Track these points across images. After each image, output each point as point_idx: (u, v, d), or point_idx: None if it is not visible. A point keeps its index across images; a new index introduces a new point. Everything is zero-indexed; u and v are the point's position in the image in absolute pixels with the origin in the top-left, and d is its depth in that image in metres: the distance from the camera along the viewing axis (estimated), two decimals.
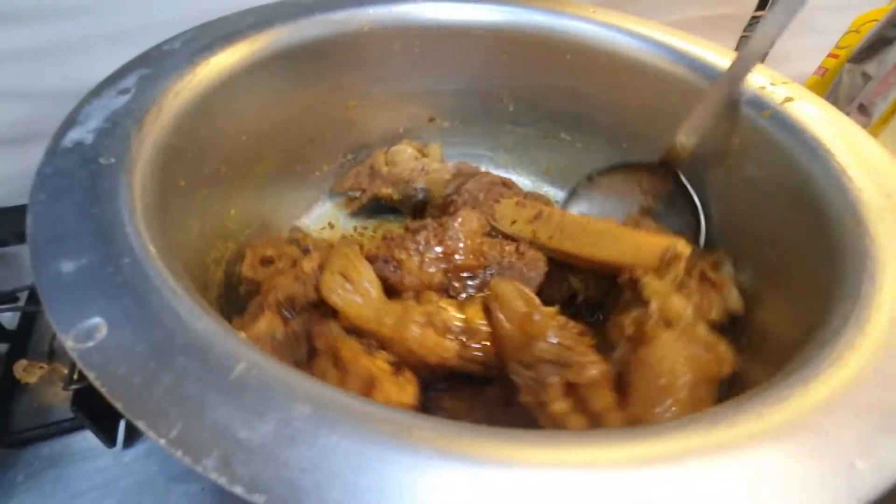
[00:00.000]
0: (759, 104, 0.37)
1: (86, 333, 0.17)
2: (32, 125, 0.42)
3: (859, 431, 0.16)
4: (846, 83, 0.45)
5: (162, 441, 0.14)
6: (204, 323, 0.18)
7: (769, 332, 0.29)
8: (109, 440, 0.32)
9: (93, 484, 0.32)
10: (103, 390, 0.15)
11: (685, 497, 0.14)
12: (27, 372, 0.34)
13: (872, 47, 0.44)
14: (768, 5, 0.29)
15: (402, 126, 0.51)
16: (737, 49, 0.70)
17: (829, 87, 0.47)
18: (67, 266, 0.19)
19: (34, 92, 0.43)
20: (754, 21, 0.63)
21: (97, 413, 0.31)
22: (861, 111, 0.46)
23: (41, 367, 0.34)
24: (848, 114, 0.47)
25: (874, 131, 0.47)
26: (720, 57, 0.41)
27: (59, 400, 0.35)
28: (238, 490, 0.13)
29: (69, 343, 0.16)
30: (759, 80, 0.38)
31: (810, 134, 0.33)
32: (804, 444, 0.16)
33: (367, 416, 0.16)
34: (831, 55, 0.49)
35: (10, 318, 0.38)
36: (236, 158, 0.38)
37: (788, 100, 0.35)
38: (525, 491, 0.14)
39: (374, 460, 0.14)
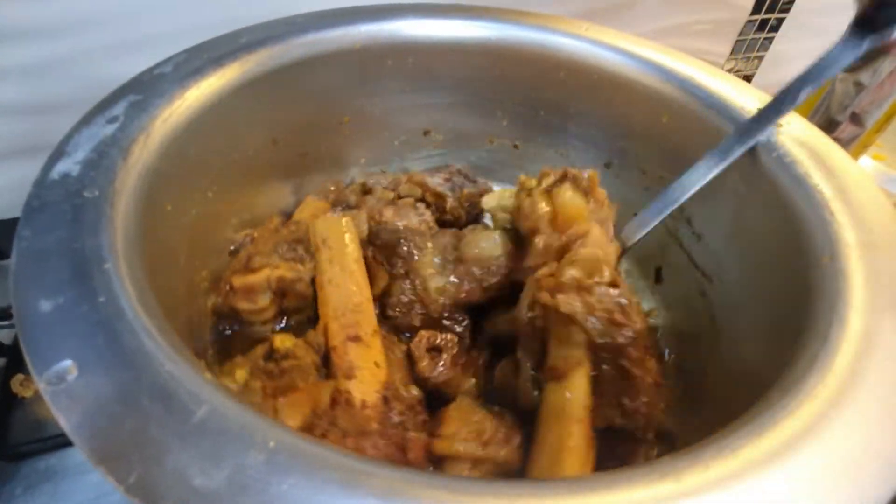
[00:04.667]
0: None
1: (57, 376, 0.17)
2: (35, 137, 0.44)
3: (804, 487, 0.17)
4: (839, 92, 0.45)
5: (121, 487, 0.15)
6: (171, 364, 0.18)
7: (743, 368, 0.29)
8: None
9: (86, 497, 0.33)
10: (70, 434, 0.16)
11: None
12: (24, 386, 0.35)
13: (866, 56, 0.43)
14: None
15: (397, 140, 0.52)
16: (731, 53, 0.70)
17: (822, 95, 0.46)
18: (45, 305, 0.20)
19: (38, 105, 0.44)
20: (749, 25, 0.63)
21: None
22: (854, 120, 0.45)
23: None
24: (840, 123, 0.46)
25: (867, 140, 0.46)
26: (710, 77, 0.41)
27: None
28: None
29: (42, 385, 0.17)
30: (749, 102, 0.38)
31: (797, 163, 0.33)
32: (747, 499, 0.16)
33: (320, 463, 0.16)
34: None
35: (7, 334, 0.39)
36: (228, 176, 0.39)
37: (777, 126, 0.35)
38: None
39: None
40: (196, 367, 0.19)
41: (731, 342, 0.33)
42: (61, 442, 0.35)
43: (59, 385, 0.17)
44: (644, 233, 0.37)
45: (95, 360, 0.18)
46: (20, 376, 0.36)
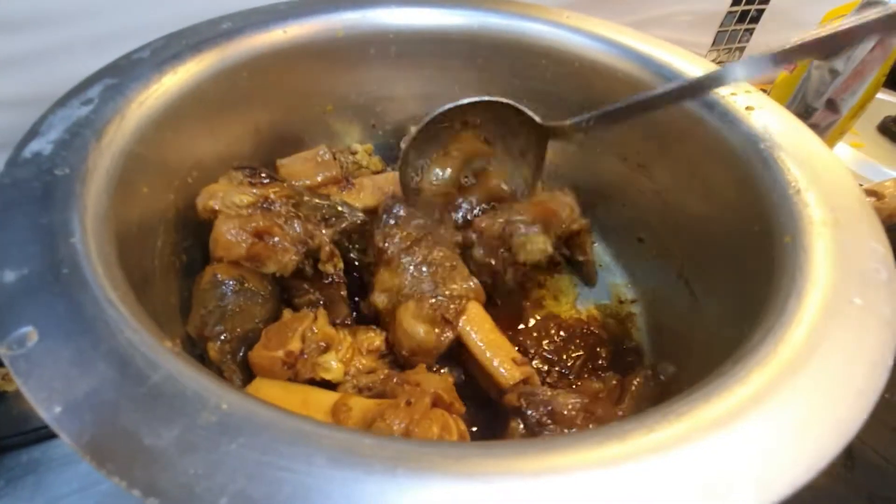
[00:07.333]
0: (722, 113, 0.37)
1: (18, 341, 0.18)
2: (14, 133, 0.43)
3: (744, 453, 0.17)
4: (815, 79, 0.45)
5: (74, 444, 0.15)
6: (131, 333, 0.19)
7: (712, 342, 0.29)
8: None
9: (71, 489, 0.33)
10: (28, 395, 0.17)
11: None
12: (6, 380, 0.35)
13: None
14: None
15: (381, 129, 0.52)
16: (713, 44, 0.70)
17: (798, 82, 0.47)
18: (9, 275, 0.20)
19: (19, 98, 0.44)
20: (730, 16, 0.64)
21: None
22: (829, 107, 0.46)
23: None
24: (816, 109, 0.47)
25: (843, 126, 0.47)
26: (689, 64, 0.41)
27: None
28: (135, 493, 0.14)
29: (2, 350, 0.18)
30: (724, 87, 0.38)
31: (766, 145, 0.33)
32: (687, 462, 0.16)
33: (271, 424, 0.16)
34: None
35: None
36: (209, 162, 0.39)
37: (749, 109, 0.35)
38: (412, 498, 0.15)
39: (268, 468, 0.15)
40: (157, 337, 0.19)
41: (710, 320, 0.33)
42: (44, 434, 0.35)
43: (19, 350, 0.18)
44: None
45: (56, 327, 0.18)
46: (1, 370, 0.36)
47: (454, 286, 0.34)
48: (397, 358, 0.34)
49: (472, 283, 0.34)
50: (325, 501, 0.15)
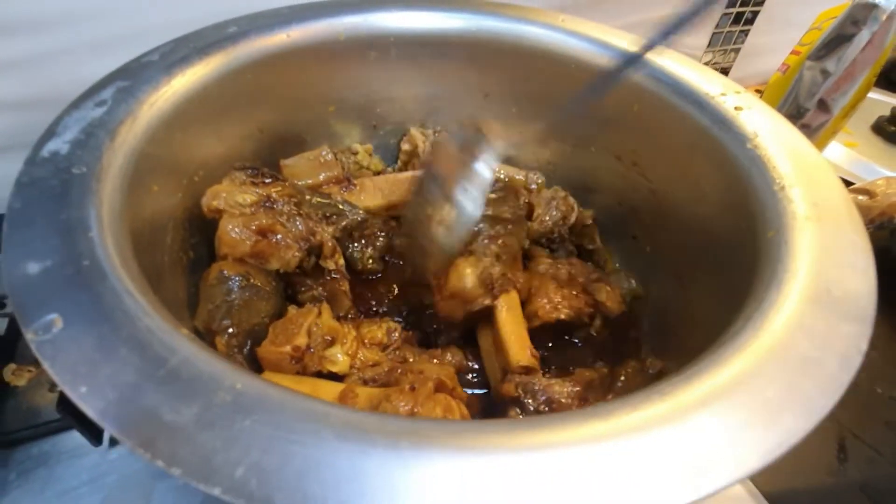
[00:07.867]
0: (712, 113, 0.38)
1: (44, 328, 0.19)
2: (16, 134, 0.44)
3: (723, 430, 0.18)
4: (807, 80, 0.47)
5: (99, 420, 0.17)
6: (149, 320, 0.20)
7: (696, 329, 0.31)
8: (95, 439, 0.33)
9: (81, 480, 0.34)
10: (55, 378, 0.18)
11: (537, 482, 0.16)
12: (16, 375, 0.36)
13: (831, 44, 0.45)
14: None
15: (382, 129, 0.53)
16: (709, 45, 0.71)
17: (791, 83, 0.48)
18: (34, 267, 0.21)
19: (22, 101, 0.45)
20: (725, 18, 0.65)
21: (82, 413, 0.33)
22: (821, 107, 0.47)
23: (29, 371, 0.36)
24: (808, 110, 0.48)
25: (835, 126, 0.48)
26: (683, 67, 0.42)
27: (47, 402, 0.37)
28: (159, 463, 0.16)
29: (29, 336, 0.19)
30: (714, 88, 0.39)
31: (754, 144, 0.34)
32: (669, 439, 0.18)
33: (283, 403, 0.18)
34: (794, 52, 0.50)
35: None
36: (214, 162, 0.41)
37: (738, 109, 0.37)
38: (413, 470, 0.16)
39: (280, 442, 0.17)
40: (173, 324, 0.21)
41: (700, 313, 0.34)
42: (54, 428, 0.36)
43: (45, 336, 0.19)
44: None
45: (79, 315, 0.20)
46: (12, 366, 0.37)
47: (509, 270, 0.37)
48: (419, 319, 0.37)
49: (521, 279, 0.37)
50: (334, 472, 0.16)
